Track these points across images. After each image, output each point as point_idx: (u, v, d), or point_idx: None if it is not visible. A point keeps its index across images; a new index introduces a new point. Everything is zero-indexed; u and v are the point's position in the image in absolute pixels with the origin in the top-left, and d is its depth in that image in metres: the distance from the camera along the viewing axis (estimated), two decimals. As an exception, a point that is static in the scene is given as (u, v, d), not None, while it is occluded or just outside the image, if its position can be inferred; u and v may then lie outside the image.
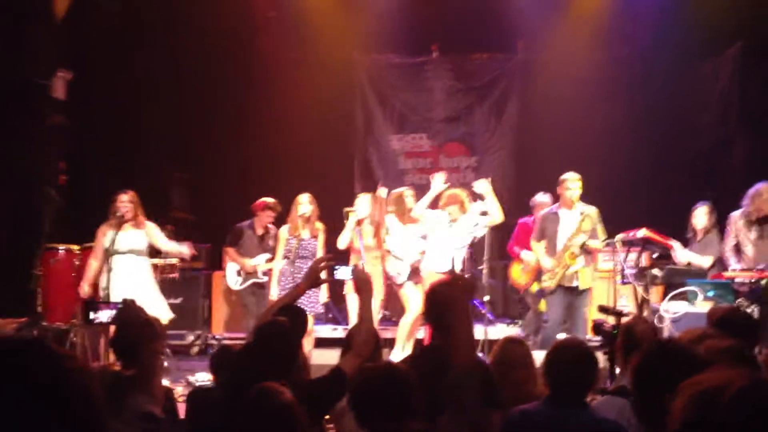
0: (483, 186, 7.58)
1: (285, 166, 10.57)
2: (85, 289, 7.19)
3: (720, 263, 7.48)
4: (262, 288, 8.25)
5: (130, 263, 7.05)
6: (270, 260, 8.23)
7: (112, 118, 10.35)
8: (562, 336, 7.44)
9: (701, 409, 1.29)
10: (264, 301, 8.31)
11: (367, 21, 10.91)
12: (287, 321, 3.53)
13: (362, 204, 7.62)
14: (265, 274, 8.28)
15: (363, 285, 3.68)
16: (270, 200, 8.30)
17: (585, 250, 7.35)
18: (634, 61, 10.89)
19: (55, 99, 9.32)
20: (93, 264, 7.24)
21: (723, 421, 1.27)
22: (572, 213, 7.40)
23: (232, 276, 8.38)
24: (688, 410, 1.30)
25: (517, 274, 8.62)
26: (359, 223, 7.57)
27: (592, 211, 7.41)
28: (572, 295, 7.40)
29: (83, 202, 9.59)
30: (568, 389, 3.20)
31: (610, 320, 4.90)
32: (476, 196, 7.82)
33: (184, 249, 7.50)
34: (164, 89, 10.62)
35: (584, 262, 7.35)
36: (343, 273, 4.12)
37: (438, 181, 7.71)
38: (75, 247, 8.15)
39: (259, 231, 8.35)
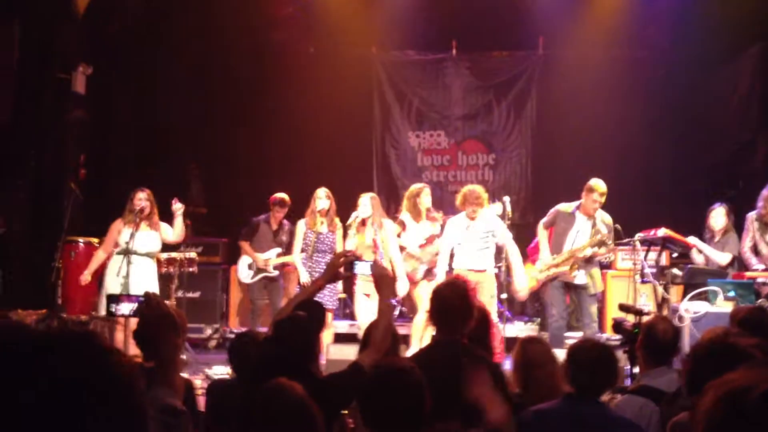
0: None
1: (303, 161, 10.58)
2: (86, 276, 7.24)
3: (739, 262, 7.44)
4: (273, 281, 8.31)
5: (145, 264, 7.11)
6: (281, 255, 8.27)
7: (131, 113, 10.41)
8: (565, 331, 7.49)
9: (727, 410, 1.27)
10: (275, 295, 8.34)
11: (386, 17, 10.90)
12: (306, 316, 3.53)
13: (364, 205, 7.59)
14: (276, 268, 8.31)
15: (382, 280, 3.68)
16: (281, 196, 8.33)
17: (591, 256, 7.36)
18: (654, 61, 10.81)
19: (75, 93, 9.38)
20: (100, 255, 7.31)
21: (748, 422, 1.24)
22: (588, 222, 7.37)
23: (243, 269, 8.47)
24: (714, 410, 1.28)
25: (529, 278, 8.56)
26: (363, 223, 7.55)
27: (608, 219, 7.38)
28: (577, 292, 7.39)
29: (102, 195, 9.66)
30: (590, 387, 3.18)
31: (630, 319, 4.87)
32: (494, 197, 7.79)
33: (176, 208, 7.36)
34: (183, 84, 10.66)
35: (585, 273, 7.33)
36: (362, 268, 4.11)
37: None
38: (94, 240, 8.21)
39: (274, 226, 8.39)
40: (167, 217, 7.41)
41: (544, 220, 7.70)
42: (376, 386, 2.75)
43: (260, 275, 8.34)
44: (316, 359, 3.77)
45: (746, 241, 7.33)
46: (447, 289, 3.69)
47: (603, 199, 7.26)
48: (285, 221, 8.41)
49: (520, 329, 8.83)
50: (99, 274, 8.03)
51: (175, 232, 7.31)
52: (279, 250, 8.31)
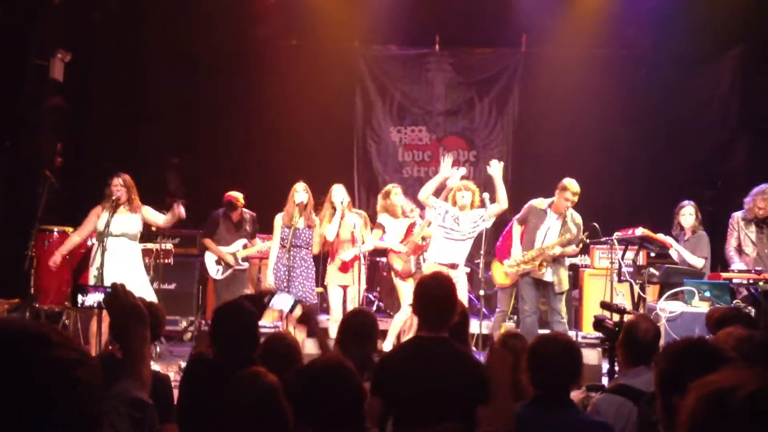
0: (496, 168, 7.48)
1: (283, 155, 10.51)
2: (56, 258, 7.12)
3: (713, 265, 7.50)
4: (243, 273, 8.25)
5: (121, 246, 6.98)
6: (246, 246, 8.21)
7: (108, 101, 10.30)
8: (537, 327, 7.51)
9: (710, 410, 1.25)
10: (237, 286, 8.25)
11: (369, 11, 10.86)
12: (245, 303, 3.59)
13: (338, 193, 7.56)
14: (244, 260, 8.24)
15: (309, 322, 3.62)
16: (231, 196, 8.28)
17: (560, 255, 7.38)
18: (636, 59, 10.86)
19: (53, 80, 9.25)
20: (74, 238, 7.22)
21: (732, 423, 1.22)
22: (559, 221, 7.39)
23: (212, 265, 8.34)
24: (697, 411, 1.26)
25: (500, 276, 8.55)
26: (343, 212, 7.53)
27: (578, 219, 7.41)
28: (546, 290, 7.41)
29: (78, 184, 9.54)
30: (552, 386, 3.12)
31: (613, 317, 4.85)
32: (484, 189, 7.76)
33: (179, 211, 7.34)
34: (162, 73, 10.56)
35: (552, 269, 7.35)
36: (279, 302, 4.14)
37: (447, 165, 7.61)
38: (69, 230, 8.09)
39: (235, 218, 8.32)
40: (153, 205, 7.35)
41: (518, 215, 7.73)
42: (306, 383, 2.74)
43: (230, 270, 8.26)
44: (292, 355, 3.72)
45: (731, 240, 7.38)
46: (433, 283, 3.61)
47: (575, 199, 7.28)
48: (246, 210, 8.36)
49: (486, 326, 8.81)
50: (74, 264, 7.94)
51: (165, 219, 7.24)
52: (244, 241, 8.25)
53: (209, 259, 8.38)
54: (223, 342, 3.49)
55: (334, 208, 7.51)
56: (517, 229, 7.64)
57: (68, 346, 1.17)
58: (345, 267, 7.60)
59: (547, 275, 7.35)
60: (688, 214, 7.61)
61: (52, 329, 1.21)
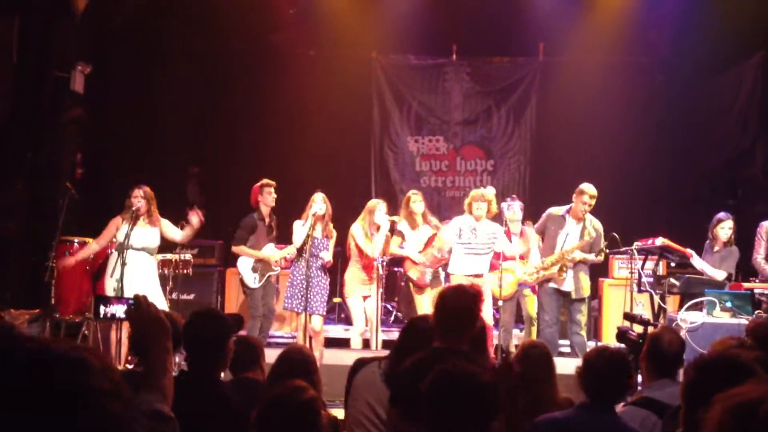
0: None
1: (301, 165, 10.53)
2: (69, 261, 7.24)
3: (737, 278, 7.45)
4: (268, 282, 8.07)
5: (141, 260, 7.05)
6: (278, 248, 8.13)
7: (128, 113, 10.37)
8: (558, 338, 7.48)
9: (735, 423, 1.24)
10: (269, 295, 8.09)
11: (387, 21, 10.88)
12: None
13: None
14: (277, 264, 8.01)
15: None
16: (264, 181, 8.17)
17: (582, 261, 7.36)
18: (655, 67, 10.80)
19: (73, 92, 9.34)
20: (92, 246, 7.33)
21: None
22: (578, 225, 7.39)
23: (248, 274, 7.90)
24: (723, 424, 1.25)
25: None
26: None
27: (598, 225, 7.40)
28: (566, 300, 7.39)
29: (99, 196, 9.61)
30: (605, 396, 3.15)
31: (637, 328, 4.81)
32: (502, 198, 7.78)
33: (194, 221, 7.31)
34: (181, 84, 10.62)
35: (572, 274, 7.33)
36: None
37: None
38: (90, 240, 8.15)
39: (267, 220, 8.11)
40: (171, 217, 7.38)
41: (537, 224, 7.73)
42: (271, 408, 2.72)
43: (267, 274, 7.91)
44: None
45: (759, 249, 7.33)
46: (454, 295, 3.58)
47: (593, 202, 7.28)
48: (271, 215, 8.30)
49: (514, 335, 8.77)
50: (93, 274, 7.99)
51: (183, 234, 7.28)
52: (272, 245, 8.06)
53: (244, 267, 7.92)
54: (193, 348, 3.38)
55: (377, 226, 7.48)
56: (534, 238, 7.63)
57: (105, 375, 1.12)
58: (368, 274, 7.59)
59: (567, 282, 7.33)
60: (727, 228, 7.54)
61: (93, 354, 1.15)
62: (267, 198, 7.99)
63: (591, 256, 7.41)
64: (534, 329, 7.88)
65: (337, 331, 9.18)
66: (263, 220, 8.03)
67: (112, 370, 1.14)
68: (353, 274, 7.67)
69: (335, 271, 8.76)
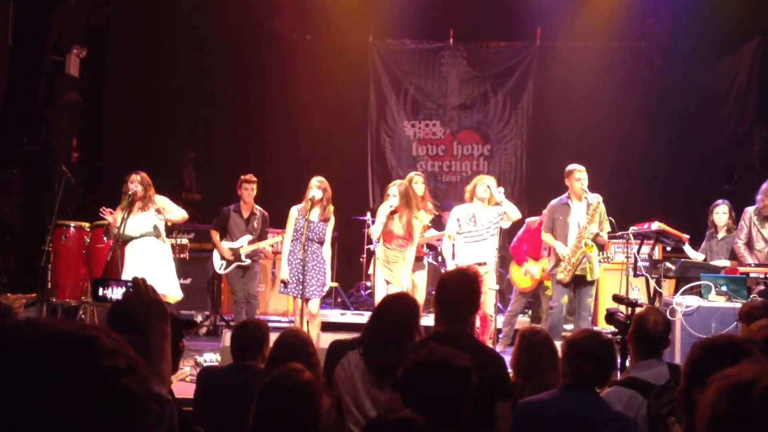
0: (499, 194, 7.49)
1: (298, 149, 10.53)
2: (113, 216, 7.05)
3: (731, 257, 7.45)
4: (248, 269, 8.20)
5: (144, 245, 7.01)
6: (252, 242, 8.19)
7: (123, 97, 10.34)
8: (563, 323, 7.47)
9: (731, 402, 1.25)
10: (249, 282, 8.22)
11: (384, 5, 10.86)
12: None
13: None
14: (248, 256, 8.19)
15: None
16: (244, 177, 8.27)
17: (595, 241, 7.30)
18: (652, 52, 10.79)
19: (69, 76, 9.30)
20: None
21: (751, 415, 1.22)
22: (581, 204, 7.34)
23: (217, 259, 8.31)
24: (716, 403, 1.26)
25: (519, 278, 8.51)
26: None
27: (600, 200, 7.34)
28: (578, 284, 7.35)
29: (95, 180, 9.60)
30: (588, 377, 3.17)
31: (624, 310, 4.84)
32: (499, 183, 7.75)
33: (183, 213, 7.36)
34: (178, 69, 10.59)
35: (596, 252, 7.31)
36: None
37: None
38: (85, 225, 8.15)
39: (245, 214, 8.27)
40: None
41: (544, 225, 7.64)
42: (269, 391, 2.74)
43: (233, 265, 8.25)
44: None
45: (741, 235, 7.31)
46: (455, 280, 3.55)
47: (585, 176, 7.25)
48: (257, 208, 8.33)
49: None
50: (90, 259, 7.99)
51: (180, 215, 7.27)
52: (250, 237, 8.22)
53: (216, 253, 8.36)
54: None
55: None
56: (548, 236, 7.54)
57: (117, 352, 1.03)
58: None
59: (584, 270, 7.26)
60: (721, 213, 7.56)
61: (101, 332, 1.05)
62: (244, 193, 8.26)
63: (603, 234, 7.32)
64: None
65: (333, 315, 9.22)
66: (239, 213, 8.27)
67: (125, 346, 1.05)
68: (382, 258, 7.53)
69: (334, 256, 8.76)
